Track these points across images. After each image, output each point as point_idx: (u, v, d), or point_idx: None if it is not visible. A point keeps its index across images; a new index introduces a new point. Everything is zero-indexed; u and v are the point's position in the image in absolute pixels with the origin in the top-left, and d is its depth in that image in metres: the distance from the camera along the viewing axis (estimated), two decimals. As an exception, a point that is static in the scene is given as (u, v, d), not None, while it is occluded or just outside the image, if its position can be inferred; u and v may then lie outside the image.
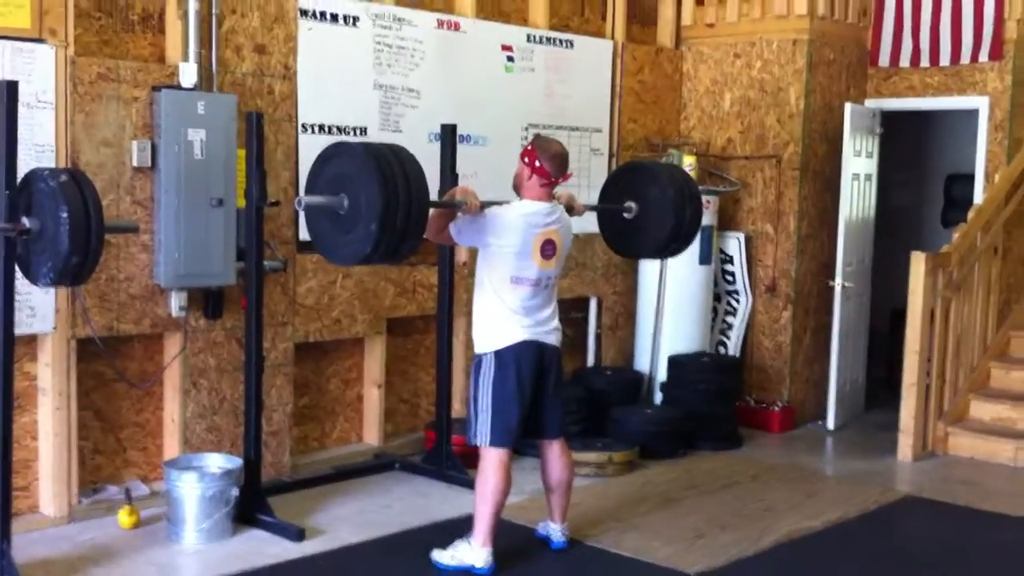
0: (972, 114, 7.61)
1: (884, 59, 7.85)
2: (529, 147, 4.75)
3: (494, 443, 4.65)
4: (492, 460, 4.65)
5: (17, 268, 4.33)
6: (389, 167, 4.25)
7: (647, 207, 5.26)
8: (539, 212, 4.69)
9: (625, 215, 5.30)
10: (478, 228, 4.65)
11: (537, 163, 4.67)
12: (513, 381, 4.65)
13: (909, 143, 8.98)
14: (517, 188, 4.79)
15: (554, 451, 4.89)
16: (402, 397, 6.61)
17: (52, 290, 4.85)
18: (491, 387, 4.65)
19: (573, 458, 5.07)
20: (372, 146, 4.43)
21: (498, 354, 4.66)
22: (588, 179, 7.34)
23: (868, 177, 7.72)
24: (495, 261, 4.65)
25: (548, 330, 4.77)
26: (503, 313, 4.66)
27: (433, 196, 5.75)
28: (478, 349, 4.73)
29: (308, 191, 4.53)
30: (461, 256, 6.53)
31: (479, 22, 6.63)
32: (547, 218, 4.70)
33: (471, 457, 5.09)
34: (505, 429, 4.65)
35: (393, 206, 4.19)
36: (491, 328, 4.70)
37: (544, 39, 7.01)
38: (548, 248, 4.68)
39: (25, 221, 4.21)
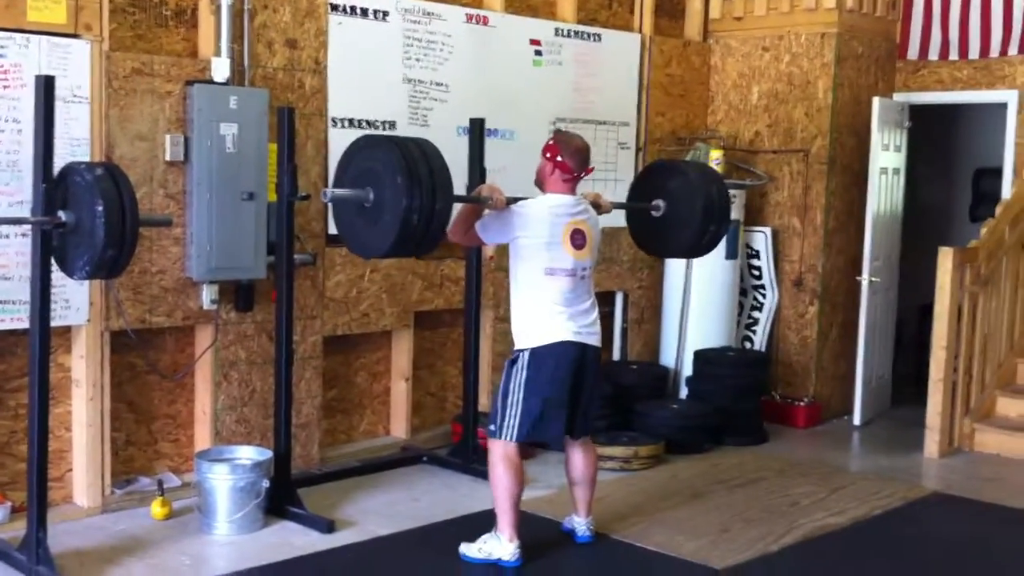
0: (1001, 108, 7.56)
1: (913, 52, 7.80)
2: (551, 142, 4.75)
3: (517, 438, 4.63)
4: (499, 453, 4.65)
5: (53, 261, 4.38)
6: (414, 160, 4.30)
7: (674, 201, 5.28)
8: (565, 204, 4.69)
9: (653, 213, 5.33)
10: (504, 223, 4.66)
11: (559, 158, 4.68)
12: (547, 379, 4.62)
13: (937, 137, 8.93)
14: (540, 184, 4.80)
15: (578, 446, 4.90)
16: (429, 390, 6.64)
17: (86, 283, 4.90)
18: (524, 384, 4.62)
19: (598, 453, 5.09)
20: (398, 139, 4.49)
21: (536, 352, 4.62)
22: (615, 174, 7.35)
23: (896, 171, 7.69)
24: (526, 255, 4.64)
25: (588, 324, 4.71)
26: (542, 308, 4.63)
27: (460, 191, 5.86)
28: (517, 345, 4.70)
29: (336, 184, 4.59)
30: (488, 250, 6.55)
31: (507, 16, 6.64)
32: (573, 208, 4.70)
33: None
34: (531, 425, 4.63)
35: (417, 198, 4.24)
36: (530, 324, 4.66)
37: (572, 33, 7.02)
38: (578, 237, 4.66)
39: (61, 215, 4.26)
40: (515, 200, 4.73)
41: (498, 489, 4.66)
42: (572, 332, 4.64)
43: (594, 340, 4.74)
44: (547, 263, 4.61)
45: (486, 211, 4.72)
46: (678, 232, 5.32)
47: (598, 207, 4.95)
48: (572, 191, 4.74)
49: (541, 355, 4.62)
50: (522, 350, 4.66)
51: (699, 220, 5.26)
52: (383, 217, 4.33)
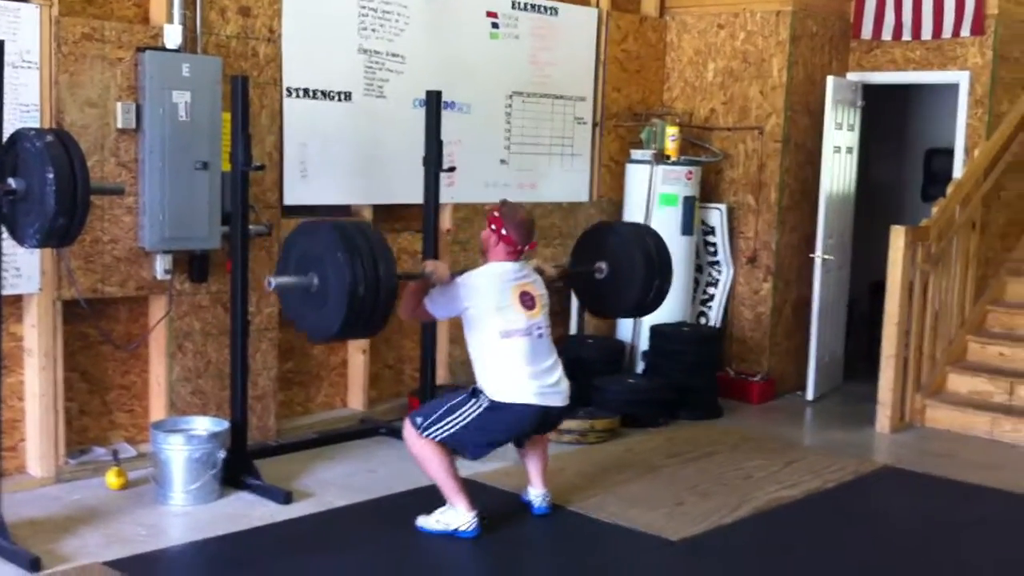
0: (953, 88, 7.64)
1: (866, 32, 7.86)
2: (496, 214, 4.74)
3: (436, 440, 4.64)
4: (415, 434, 4.64)
5: (3, 229, 4.31)
6: (351, 235, 4.32)
7: (615, 261, 5.35)
8: (509, 269, 4.72)
9: (597, 275, 5.38)
10: (451, 297, 4.67)
11: (503, 231, 4.69)
12: (497, 429, 4.64)
13: (890, 117, 9.02)
14: (483, 252, 4.83)
15: None
16: (387, 363, 6.61)
17: (37, 251, 4.82)
18: (473, 419, 4.61)
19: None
20: (339, 225, 4.49)
21: (496, 404, 4.61)
22: (572, 148, 7.35)
23: (849, 150, 7.75)
24: (478, 325, 4.65)
25: (552, 383, 4.69)
26: (504, 369, 4.63)
27: (417, 163, 5.84)
28: (481, 387, 4.68)
29: (279, 271, 4.58)
30: (446, 223, 6.53)
31: (464, -13, 6.61)
32: (518, 273, 4.73)
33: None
34: (458, 444, 4.67)
35: (360, 269, 4.24)
36: (494, 381, 4.64)
37: (529, 6, 6.99)
38: (527, 299, 4.68)
39: (11, 181, 4.19)
40: (459, 272, 4.76)
41: (430, 467, 4.66)
42: (535, 393, 4.63)
43: (558, 400, 4.72)
44: (501, 327, 4.61)
45: (432, 287, 4.71)
46: (624, 291, 5.38)
47: (541, 273, 4.97)
48: (516, 260, 4.77)
49: (501, 408, 4.61)
50: (485, 394, 4.65)
51: (642, 276, 5.33)
52: (330, 297, 4.31)
